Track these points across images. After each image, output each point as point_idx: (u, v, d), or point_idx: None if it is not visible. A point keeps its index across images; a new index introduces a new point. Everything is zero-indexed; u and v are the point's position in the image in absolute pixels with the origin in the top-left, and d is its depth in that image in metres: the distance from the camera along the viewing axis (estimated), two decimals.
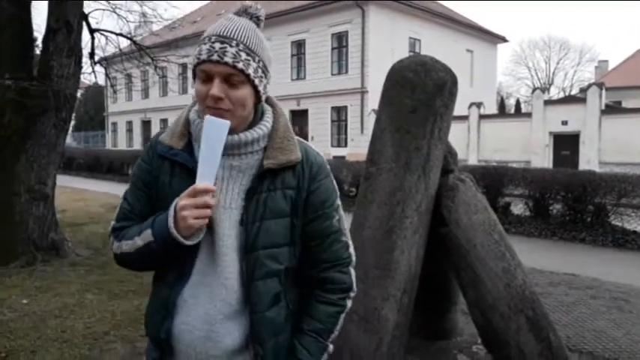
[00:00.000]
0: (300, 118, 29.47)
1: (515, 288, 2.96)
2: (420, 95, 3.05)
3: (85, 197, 14.09)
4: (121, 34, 9.01)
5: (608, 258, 7.58)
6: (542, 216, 9.59)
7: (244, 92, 1.24)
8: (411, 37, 27.82)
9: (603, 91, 21.49)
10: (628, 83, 36.21)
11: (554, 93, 52.59)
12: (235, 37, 1.23)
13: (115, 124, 42.98)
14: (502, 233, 3.14)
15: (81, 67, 6.86)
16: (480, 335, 3.21)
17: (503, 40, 34.79)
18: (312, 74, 28.49)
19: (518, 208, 10.13)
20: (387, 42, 25.69)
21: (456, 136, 17.28)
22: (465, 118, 23.74)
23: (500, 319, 2.93)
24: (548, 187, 9.53)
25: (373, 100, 24.07)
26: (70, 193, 14.26)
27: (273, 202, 1.29)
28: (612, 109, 23.80)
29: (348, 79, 26.79)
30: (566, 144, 22.05)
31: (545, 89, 32.26)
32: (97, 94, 44.94)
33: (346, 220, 1.45)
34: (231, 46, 1.22)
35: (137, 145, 39.10)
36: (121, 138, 42.05)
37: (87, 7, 8.29)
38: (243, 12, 1.29)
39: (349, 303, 1.41)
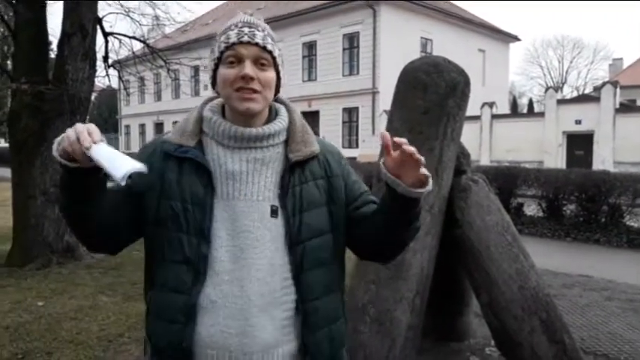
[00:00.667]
0: (311, 119, 29.46)
1: (529, 290, 2.94)
2: (432, 96, 3.05)
3: None
4: (134, 37, 9.08)
5: (623, 259, 7.50)
6: (555, 217, 9.51)
7: (272, 75, 1.31)
8: (422, 37, 27.75)
9: (617, 90, 21.28)
10: None
11: (568, 92, 52.10)
12: (259, 24, 1.31)
13: (127, 126, 43.35)
14: (515, 234, 3.12)
15: (95, 71, 6.93)
16: (493, 337, 3.20)
17: (516, 39, 34.56)
18: (324, 75, 28.52)
19: (531, 209, 10.05)
20: (398, 42, 25.64)
21: (468, 136, 17.17)
22: (477, 118, 23.63)
23: (514, 321, 2.91)
24: (562, 188, 9.44)
25: (384, 101, 24.05)
26: None
27: (308, 193, 1.31)
28: (627, 107, 23.56)
29: (360, 80, 26.78)
30: (579, 144, 21.86)
31: (558, 88, 31.99)
32: (110, 97, 45.34)
33: None
34: (258, 30, 1.29)
35: None
36: (134, 140, 42.37)
37: (101, 10, 8.35)
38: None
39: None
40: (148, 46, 9.31)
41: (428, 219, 3.03)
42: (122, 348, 3.88)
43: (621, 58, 46.17)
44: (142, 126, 41.59)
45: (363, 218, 1.36)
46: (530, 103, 39.79)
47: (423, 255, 3.01)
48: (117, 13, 9.16)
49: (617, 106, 21.28)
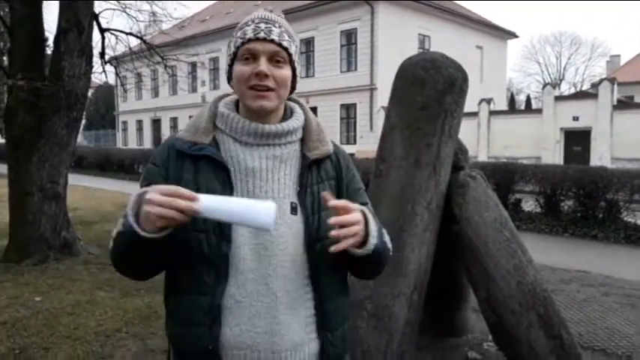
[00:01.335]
0: None
1: (527, 285, 2.94)
2: (430, 92, 3.04)
3: (97, 196, 14.19)
4: (131, 34, 9.06)
5: (620, 255, 7.52)
6: (553, 213, 9.52)
7: (287, 72, 1.29)
8: (420, 34, 27.72)
9: (615, 86, 21.30)
10: None
11: (565, 89, 52.22)
12: (277, 20, 1.29)
13: (125, 122, 43.27)
14: (513, 230, 3.12)
15: (92, 67, 6.90)
16: (491, 332, 3.20)
17: (514, 35, 34.56)
18: (321, 72, 28.49)
19: (529, 205, 10.07)
20: (396, 39, 25.62)
21: (466, 132, 17.18)
22: (474, 114, 23.63)
23: (512, 316, 2.92)
24: (559, 184, 9.46)
25: (382, 98, 24.04)
26: (82, 192, 14.37)
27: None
28: (624, 104, 23.55)
29: (357, 76, 26.76)
30: (577, 140, 21.89)
31: (555, 85, 32.03)
32: (107, 93, 45.27)
33: None
34: (274, 26, 1.27)
35: (147, 143, 39.33)
36: (132, 137, 42.31)
37: (97, 6, 8.34)
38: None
39: (389, 244, 1.37)
40: (144, 42, 9.28)
41: (426, 215, 3.02)
42: (120, 343, 3.88)
43: (619, 55, 46.17)
44: (140, 122, 41.51)
45: None
46: (528, 100, 39.78)
47: (421, 251, 3.01)
48: (113, 9, 9.12)
49: (615, 102, 21.30)
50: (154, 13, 10.79)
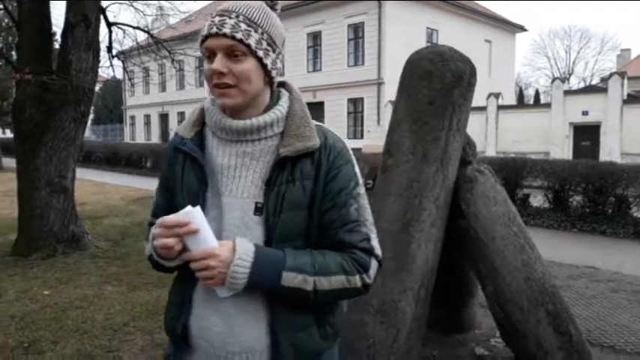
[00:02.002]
0: (315, 110, 29.39)
1: (535, 281, 2.92)
2: (437, 86, 3.01)
3: (104, 190, 14.25)
4: (138, 28, 9.06)
5: (629, 250, 7.46)
6: (561, 208, 9.46)
7: (248, 65, 1.20)
8: (428, 28, 27.58)
9: (625, 81, 21.09)
10: None
11: (575, 83, 51.82)
12: (235, 9, 1.21)
13: (132, 117, 43.39)
14: (521, 225, 3.10)
15: (99, 61, 6.91)
16: (499, 328, 3.18)
17: (522, 29, 34.30)
18: (328, 66, 28.42)
19: (537, 200, 10.01)
20: (403, 33, 25.49)
21: (474, 127, 17.13)
22: (482, 108, 23.50)
23: (520, 312, 2.90)
24: (568, 179, 9.39)
25: (390, 92, 23.95)
26: (90, 186, 14.44)
27: (291, 194, 1.22)
28: (634, 98, 23.32)
29: (365, 70, 26.68)
30: (586, 135, 21.72)
31: (565, 79, 31.77)
32: (114, 87, 45.37)
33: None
34: (229, 17, 1.19)
35: (155, 138, 39.45)
36: (139, 131, 42.44)
37: (104, 1, 8.33)
38: None
39: (359, 282, 1.24)
40: (152, 36, 9.29)
41: (433, 210, 3.00)
42: (127, 337, 3.90)
43: (629, 49, 45.79)
44: (147, 117, 41.62)
45: None
46: (537, 94, 39.51)
47: (428, 246, 2.99)
48: (120, 3, 9.12)
49: (625, 97, 21.10)
50: (161, 7, 10.83)
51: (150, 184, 14.46)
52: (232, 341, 1.23)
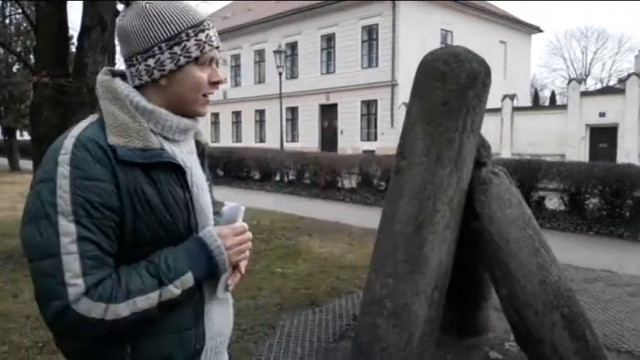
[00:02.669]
0: (329, 112, 29.44)
1: (550, 284, 2.88)
2: (452, 87, 2.99)
3: None
4: None
5: None
6: (577, 211, 9.35)
7: None
8: (442, 29, 27.47)
9: None
10: None
11: (591, 84, 51.18)
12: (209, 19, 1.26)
13: None
14: (536, 228, 3.06)
15: (115, 64, 6.98)
16: (513, 332, 3.15)
17: (538, 30, 34.02)
18: (342, 68, 28.43)
19: (553, 203, 9.90)
20: (418, 34, 25.41)
21: (489, 128, 17.00)
22: (497, 110, 23.33)
23: (535, 316, 2.86)
24: (585, 181, 9.27)
25: (404, 94, 23.88)
26: None
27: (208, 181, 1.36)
28: None
29: (379, 72, 26.64)
30: (603, 136, 21.46)
31: (581, 80, 31.42)
32: None
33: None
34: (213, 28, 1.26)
35: None
36: None
37: (120, 3, 8.41)
38: None
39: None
40: None
41: (447, 212, 2.98)
42: None
43: None
44: None
45: None
46: (553, 96, 39.17)
47: (442, 249, 2.97)
48: None
49: None
50: None
51: None
52: (226, 328, 1.33)
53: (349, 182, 13.59)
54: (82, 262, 1.01)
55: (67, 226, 1.01)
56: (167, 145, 1.20)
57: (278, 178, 15.74)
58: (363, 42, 27.58)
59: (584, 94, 22.81)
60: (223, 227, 1.22)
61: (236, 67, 35.04)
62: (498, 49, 29.91)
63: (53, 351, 3.66)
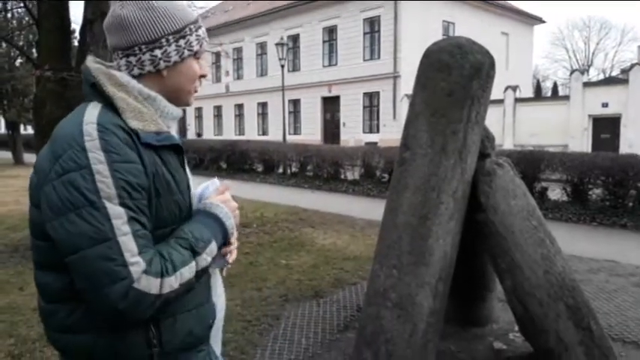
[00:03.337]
0: (331, 104, 29.38)
1: (555, 275, 2.89)
2: (456, 78, 2.98)
3: None
4: None
5: None
6: (580, 201, 9.34)
7: None
8: (444, 21, 27.33)
9: None
10: None
11: (594, 75, 50.96)
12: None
13: None
14: (541, 219, 3.06)
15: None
16: (518, 323, 3.16)
17: (540, 21, 33.82)
18: (344, 60, 28.33)
19: (556, 194, 9.89)
20: (420, 26, 25.30)
21: (491, 120, 16.89)
22: (500, 101, 23.25)
23: (539, 306, 2.87)
24: (588, 172, 9.26)
25: (406, 86, 23.83)
26: None
27: None
28: None
29: (381, 64, 26.54)
30: (606, 127, 21.38)
31: (584, 71, 31.27)
32: None
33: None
34: None
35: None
36: None
37: None
38: None
39: None
40: None
41: (451, 204, 2.98)
42: None
43: None
44: None
45: None
46: (555, 87, 38.98)
47: (446, 240, 2.97)
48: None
49: None
50: None
51: None
52: (224, 302, 1.42)
53: (352, 174, 13.59)
54: (136, 241, 1.04)
55: (116, 209, 1.04)
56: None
57: (281, 170, 15.75)
58: (365, 34, 27.46)
59: (587, 84, 22.70)
60: (215, 198, 1.30)
61: (238, 60, 34.96)
62: (500, 40, 29.76)
63: None
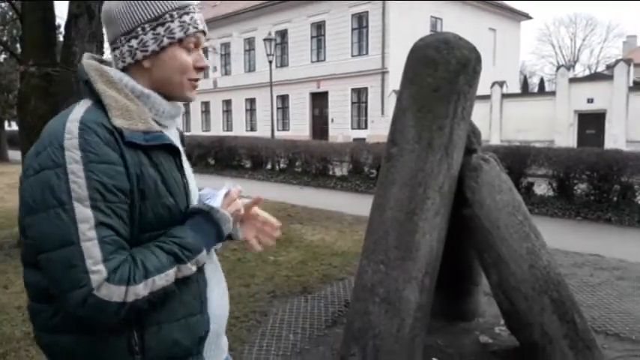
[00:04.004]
0: (319, 100, 29.36)
1: (540, 269, 2.92)
2: (443, 74, 3.00)
3: None
4: None
5: (635, 238, 7.44)
6: (566, 196, 9.44)
7: None
8: (432, 17, 27.40)
9: (631, 68, 20.96)
10: None
11: (580, 70, 51.45)
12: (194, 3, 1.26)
13: None
14: (526, 214, 3.09)
15: (103, 53, 6.90)
16: (503, 316, 3.19)
17: (527, 17, 34.03)
18: (332, 56, 28.32)
19: (542, 189, 9.98)
20: (407, 22, 25.33)
21: (478, 115, 17.05)
22: (487, 97, 23.39)
23: (524, 300, 2.90)
24: (573, 167, 9.36)
25: (394, 81, 23.84)
26: None
27: None
28: None
29: (369, 60, 26.56)
30: (591, 123, 21.62)
31: (570, 67, 31.53)
32: None
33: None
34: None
35: None
36: None
37: None
38: None
39: None
40: None
41: (437, 199, 3.00)
42: None
43: (635, 36, 45.34)
44: None
45: None
46: (542, 83, 39.21)
47: (432, 235, 2.99)
48: None
49: (631, 84, 20.96)
50: None
51: None
52: (225, 311, 1.35)
53: (340, 170, 13.61)
54: (101, 248, 0.99)
55: (84, 212, 0.99)
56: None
57: (269, 166, 15.72)
58: (353, 30, 27.45)
59: (573, 80, 22.93)
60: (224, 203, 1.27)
61: (226, 56, 34.77)
62: (488, 36, 29.90)
63: None
